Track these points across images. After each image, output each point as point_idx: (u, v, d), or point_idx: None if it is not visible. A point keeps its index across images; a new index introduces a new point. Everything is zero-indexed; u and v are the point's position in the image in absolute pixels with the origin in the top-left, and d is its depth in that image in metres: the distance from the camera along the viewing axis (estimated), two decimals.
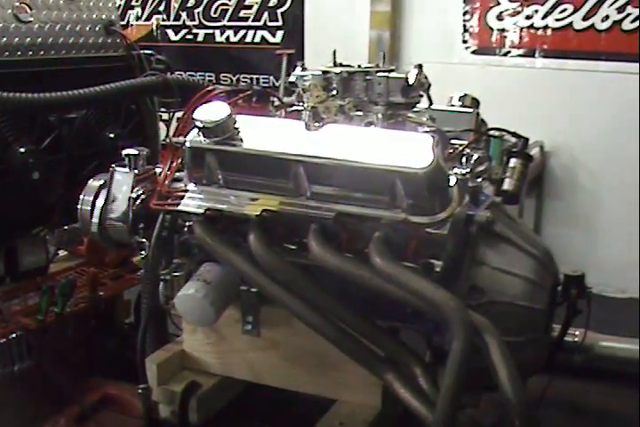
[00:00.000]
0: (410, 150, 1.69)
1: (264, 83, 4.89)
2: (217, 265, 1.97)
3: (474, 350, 1.60)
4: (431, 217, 1.70)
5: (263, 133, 1.82)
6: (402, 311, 1.87)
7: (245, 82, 4.92)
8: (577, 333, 2.23)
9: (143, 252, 2.02)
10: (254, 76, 4.92)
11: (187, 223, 1.91)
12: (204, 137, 1.80)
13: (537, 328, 1.86)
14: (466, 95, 2.22)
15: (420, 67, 1.91)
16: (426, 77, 1.93)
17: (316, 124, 1.83)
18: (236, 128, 1.80)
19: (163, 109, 2.58)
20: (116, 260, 2.80)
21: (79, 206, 2.05)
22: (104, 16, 2.61)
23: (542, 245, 1.93)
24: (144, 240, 1.99)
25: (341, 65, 1.98)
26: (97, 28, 2.59)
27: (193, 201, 1.86)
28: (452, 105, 2.23)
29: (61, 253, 2.81)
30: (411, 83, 1.88)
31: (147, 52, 2.72)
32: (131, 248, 2.04)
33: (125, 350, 2.80)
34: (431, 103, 2.02)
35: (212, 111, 1.78)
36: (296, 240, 1.83)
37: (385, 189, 1.69)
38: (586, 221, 4.21)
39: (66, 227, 2.65)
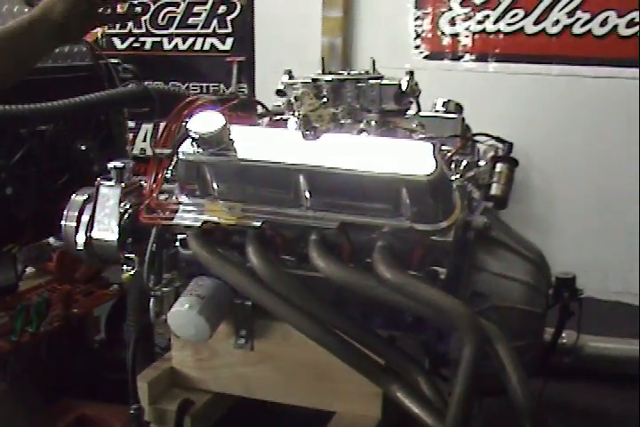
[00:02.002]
0: (410, 158, 1.68)
1: (214, 90, 4.82)
2: (209, 279, 1.93)
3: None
4: (435, 225, 1.69)
5: (258, 143, 1.78)
6: (401, 320, 1.87)
7: (195, 90, 4.84)
8: (564, 334, 2.26)
9: (128, 267, 1.97)
10: (204, 84, 4.85)
11: (178, 237, 1.86)
12: (199, 148, 1.75)
13: (536, 332, 1.87)
14: (449, 101, 2.23)
15: (411, 73, 1.90)
16: (416, 84, 1.92)
17: (309, 132, 1.81)
18: (231, 139, 1.76)
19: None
20: (85, 275, 2.72)
21: (63, 222, 1.98)
22: None
23: (536, 248, 1.94)
24: (133, 256, 1.93)
25: (330, 73, 1.95)
26: None
27: (188, 214, 1.80)
28: (436, 111, 2.24)
29: (28, 270, 2.72)
30: (403, 89, 1.87)
31: (113, 61, 2.65)
32: (119, 264, 1.97)
33: (98, 368, 2.73)
34: (419, 110, 2.01)
35: (207, 121, 1.74)
36: (294, 251, 1.80)
37: (389, 197, 1.68)
38: (541, 223, 4.27)
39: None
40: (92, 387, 2.64)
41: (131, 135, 2.95)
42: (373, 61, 1.94)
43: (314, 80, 1.93)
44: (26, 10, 2.40)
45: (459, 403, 1.59)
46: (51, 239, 2.66)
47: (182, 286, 1.95)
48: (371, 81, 1.89)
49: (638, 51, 3.69)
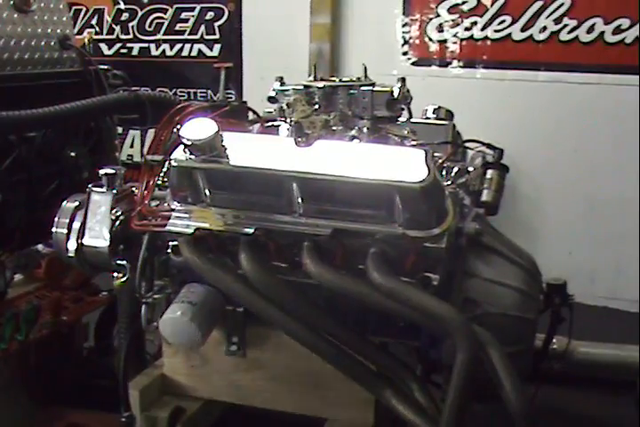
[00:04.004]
0: (403, 164, 1.68)
1: (202, 97, 4.82)
2: (200, 286, 1.92)
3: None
4: (428, 231, 1.69)
5: (251, 150, 1.78)
6: (393, 326, 1.86)
7: (182, 96, 4.83)
8: (554, 340, 2.26)
9: (120, 274, 1.96)
10: (192, 91, 4.85)
11: (170, 244, 1.86)
12: (191, 155, 1.74)
13: (528, 338, 1.87)
14: (440, 108, 2.23)
15: (403, 80, 1.90)
16: (408, 91, 1.93)
17: (302, 139, 1.81)
18: (223, 145, 1.75)
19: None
20: (75, 282, 2.70)
21: (54, 229, 1.96)
22: (59, 30, 2.53)
23: (527, 254, 1.94)
24: (124, 263, 1.92)
25: (322, 79, 1.95)
26: (52, 43, 2.50)
27: (180, 221, 1.80)
28: (427, 118, 2.24)
29: (17, 276, 2.69)
30: (396, 96, 1.87)
31: (103, 67, 2.64)
32: (110, 271, 1.96)
33: (87, 375, 2.72)
34: (411, 116, 2.01)
35: (200, 128, 1.73)
36: (287, 258, 1.80)
37: (381, 204, 1.68)
38: (528, 229, 4.28)
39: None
40: (81, 394, 2.62)
41: (117, 141, 2.92)
42: (365, 68, 1.94)
43: (306, 87, 1.93)
44: (15, 15, 2.38)
45: (453, 408, 1.59)
46: (40, 246, 2.64)
47: (174, 292, 1.95)
48: (363, 88, 1.89)
49: (639, 58, 3.70)
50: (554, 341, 2.23)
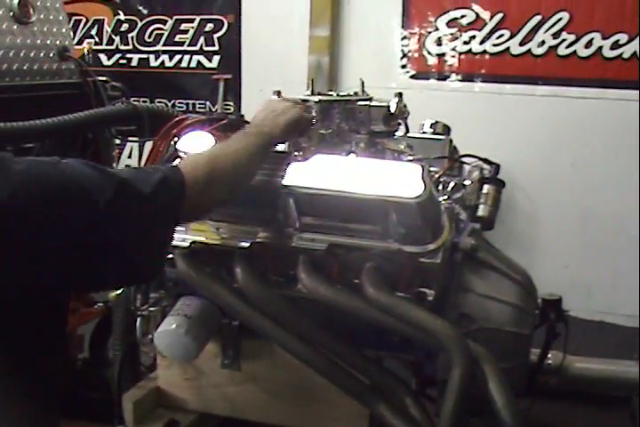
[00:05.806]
0: (399, 179, 1.68)
1: (200, 108, 4.82)
2: (196, 299, 1.93)
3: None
4: (424, 246, 1.69)
5: None
6: (388, 341, 1.86)
7: (181, 107, 4.83)
8: (549, 355, 2.26)
9: None
10: (190, 102, 4.85)
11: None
12: None
13: (523, 353, 1.88)
14: (437, 122, 2.24)
15: (400, 95, 1.91)
16: (405, 106, 1.93)
17: (298, 153, 1.82)
18: None
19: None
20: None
21: None
22: (58, 42, 2.53)
23: (522, 269, 1.95)
24: None
25: (320, 93, 1.96)
26: (51, 54, 2.51)
27: (176, 234, 1.79)
28: (424, 132, 2.25)
29: None
30: (392, 111, 1.87)
31: (101, 78, 2.65)
32: None
33: (80, 387, 2.70)
34: (407, 131, 2.02)
35: (196, 141, 1.74)
36: (283, 272, 1.80)
37: (377, 219, 1.68)
38: (524, 243, 4.28)
39: None
40: (74, 406, 2.61)
41: (116, 151, 2.93)
42: (362, 83, 1.95)
43: (303, 101, 1.93)
44: (15, 27, 2.39)
45: (447, 423, 1.59)
46: None
47: (169, 305, 1.95)
48: (360, 102, 1.89)
49: (639, 72, 3.71)
50: (549, 356, 2.22)
